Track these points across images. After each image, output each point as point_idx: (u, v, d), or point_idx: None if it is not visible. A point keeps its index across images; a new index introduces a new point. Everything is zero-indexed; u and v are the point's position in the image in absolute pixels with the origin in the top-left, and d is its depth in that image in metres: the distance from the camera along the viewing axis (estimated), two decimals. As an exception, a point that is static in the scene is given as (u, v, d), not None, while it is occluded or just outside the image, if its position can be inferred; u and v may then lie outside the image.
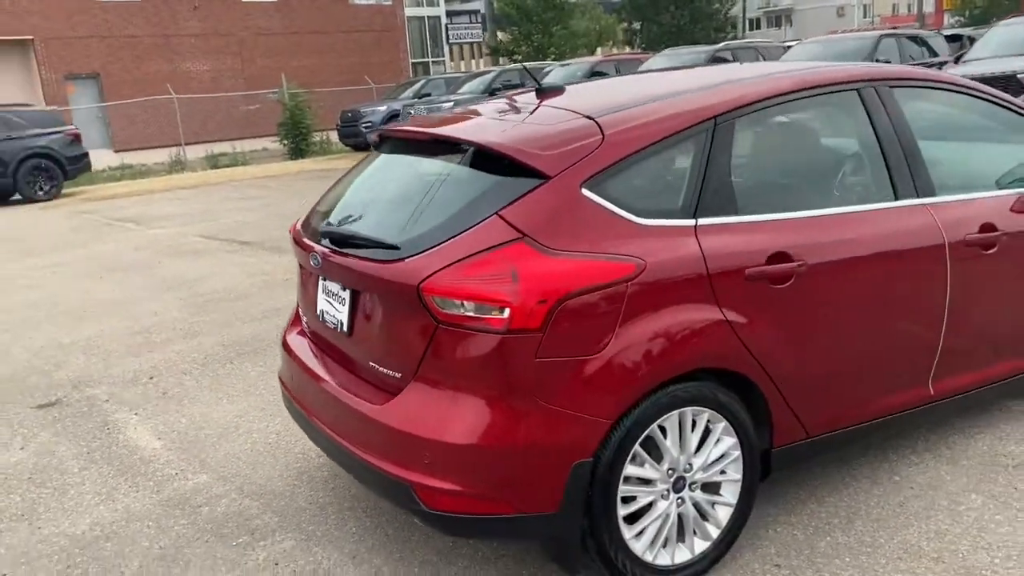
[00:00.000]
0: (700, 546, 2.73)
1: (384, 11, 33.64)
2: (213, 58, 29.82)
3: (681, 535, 2.70)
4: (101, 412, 4.59)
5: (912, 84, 3.30)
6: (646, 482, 2.59)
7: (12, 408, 4.75)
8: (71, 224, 12.60)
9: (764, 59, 16.97)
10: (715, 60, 16.83)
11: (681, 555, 2.70)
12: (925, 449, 3.47)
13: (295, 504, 3.41)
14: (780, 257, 2.71)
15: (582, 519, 2.50)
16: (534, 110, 2.94)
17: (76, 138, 16.62)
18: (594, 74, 18.71)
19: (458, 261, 2.39)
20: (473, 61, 37.18)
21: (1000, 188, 3.43)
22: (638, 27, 34.90)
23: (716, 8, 34.61)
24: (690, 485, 2.68)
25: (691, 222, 2.63)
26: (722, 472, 2.74)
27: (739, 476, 2.77)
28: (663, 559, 2.66)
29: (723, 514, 2.77)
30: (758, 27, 79.34)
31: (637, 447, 2.53)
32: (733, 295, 2.62)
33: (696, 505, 2.71)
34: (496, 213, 2.44)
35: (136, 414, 4.53)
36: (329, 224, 2.95)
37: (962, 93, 3.42)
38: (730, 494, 2.77)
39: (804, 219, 2.84)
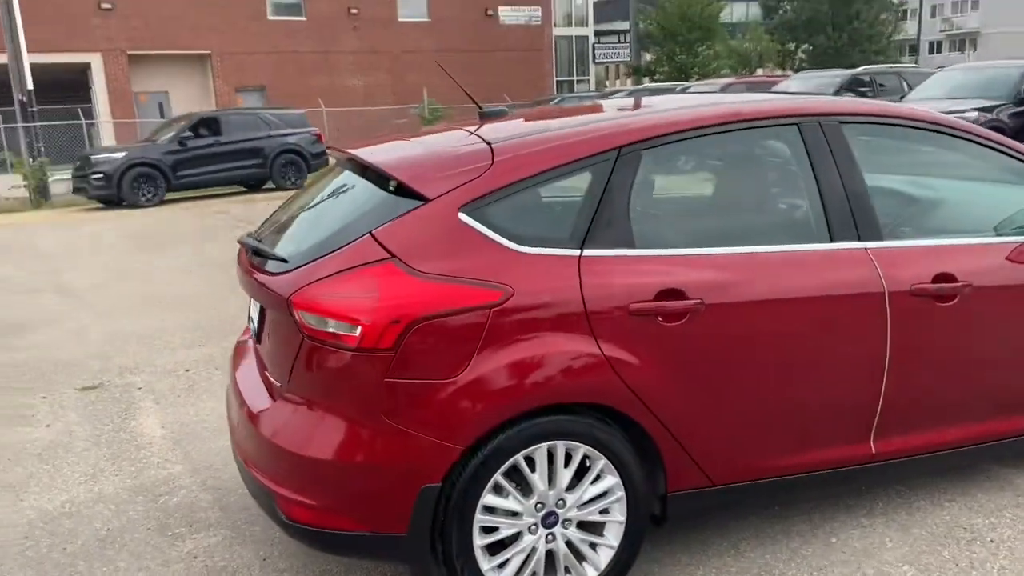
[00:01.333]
0: (573, 586, 2.66)
1: (532, 31, 34.20)
2: (367, 74, 31.31)
3: (552, 572, 2.64)
4: (130, 399, 4.96)
5: (869, 120, 3.09)
6: (512, 514, 2.55)
7: (60, 388, 5.21)
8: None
9: (907, 85, 16.05)
10: (852, 84, 16.08)
11: (550, 593, 2.64)
12: (882, 512, 3.22)
13: (243, 502, 3.55)
14: (673, 294, 2.61)
15: (436, 544, 2.50)
16: (452, 134, 2.97)
17: (319, 138, 19.06)
18: (725, 97, 18.30)
19: (325, 277, 2.45)
20: (618, 81, 37.13)
21: (999, 235, 3.16)
22: (792, 48, 33.78)
23: (878, 31, 32.97)
24: (563, 522, 2.62)
25: (576, 252, 2.58)
26: (603, 512, 2.66)
27: (623, 517, 2.67)
28: (528, 595, 2.61)
29: (604, 556, 2.69)
30: (939, 51, 74.74)
31: (499, 477, 2.50)
32: (614, 330, 2.55)
33: (570, 543, 2.64)
34: (369, 232, 2.50)
35: (158, 403, 4.86)
36: (255, 236, 3.10)
37: (934, 131, 3.15)
38: (612, 535, 2.69)
39: (707, 256, 2.71)
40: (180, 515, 3.48)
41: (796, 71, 27.98)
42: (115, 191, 16.57)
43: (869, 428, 2.95)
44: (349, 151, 2.95)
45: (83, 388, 5.20)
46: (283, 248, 2.76)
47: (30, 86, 21.25)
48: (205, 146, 17.71)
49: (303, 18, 30.06)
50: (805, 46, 32.72)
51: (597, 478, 2.63)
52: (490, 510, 2.52)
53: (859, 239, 2.89)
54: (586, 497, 2.63)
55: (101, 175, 16.61)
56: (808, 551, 2.98)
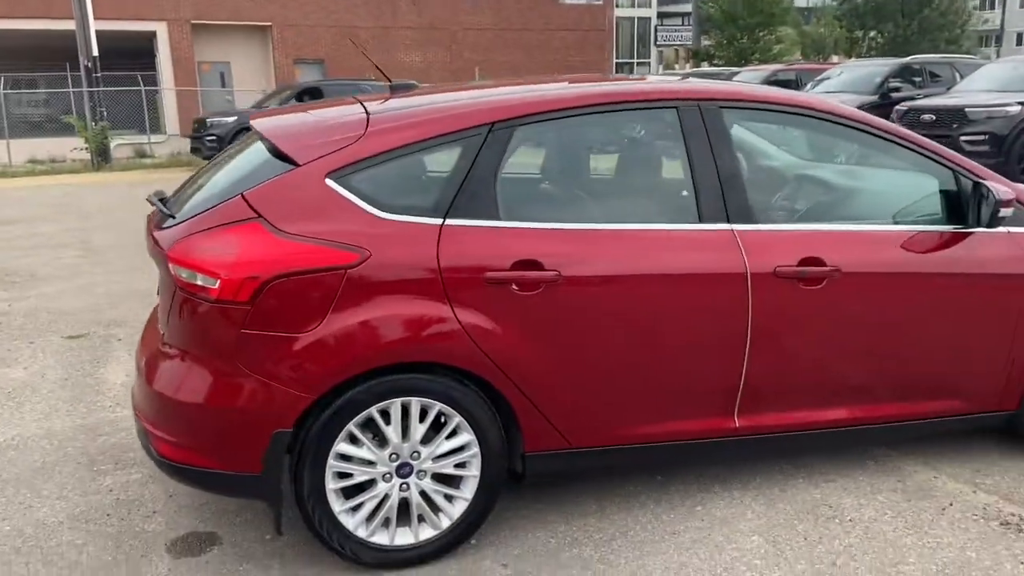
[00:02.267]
0: (426, 533, 2.84)
1: (593, 10, 33.95)
2: (425, 50, 31.54)
3: (406, 519, 2.82)
4: (107, 348, 5.28)
5: (754, 107, 3.14)
6: (366, 462, 2.73)
7: (50, 336, 5.57)
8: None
9: (960, 76, 15.58)
10: (901, 74, 15.68)
11: (403, 538, 2.82)
12: (756, 486, 3.31)
13: (172, 445, 3.82)
14: (530, 264, 2.74)
15: (289, 486, 2.70)
16: (348, 106, 3.12)
17: None
18: (771, 83, 18.04)
19: (196, 233, 2.66)
20: (677, 65, 36.69)
21: (895, 224, 3.21)
22: (860, 36, 32.87)
23: (951, 20, 31.84)
24: (418, 473, 2.79)
25: (438, 221, 2.73)
26: (458, 466, 2.82)
27: (477, 473, 2.83)
28: (380, 538, 2.80)
29: (459, 507, 2.85)
30: (1025, 42, 71.66)
31: (353, 427, 2.68)
32: (469, 296, 2.70)
33: (424, 493, 2.81)
34: (241, 193, 2.69)
35: (129, 354, 5.16)
36: (160, 195, 3.27)
37: (826, 120, 3.18)
38: (467, 489, 2.85)
39: (569, 230, 2.83)
40: (111, 454, 3.75)
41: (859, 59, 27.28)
42: None
43: (732, 403, 3.04)
44: (253, 120, 3.14)
45: (69, 336, 5.55)
46: (176, 206, 2.97)
47: (95, 52, 22.02)
48: None
49: (363, -8, 30.41)
50: (873, 34, 31.80)
51: (453, 434, 2.79)
52: (345, 457, 2.70)
53: (728, 221, 2.97)
54: (440, 451, 2.79)
55: (214, 137, 17.59)
56: (669, 516, 3.10)
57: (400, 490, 2.79)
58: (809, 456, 3.52)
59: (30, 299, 6.60)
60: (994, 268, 3.20)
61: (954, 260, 3.17)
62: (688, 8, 33.96)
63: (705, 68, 29.20)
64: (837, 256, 3.03)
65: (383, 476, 2.76)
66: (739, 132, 3.07)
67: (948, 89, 14.30)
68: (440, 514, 2.84)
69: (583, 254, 2.81)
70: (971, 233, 3.20)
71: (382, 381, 2.67)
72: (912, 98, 13.97)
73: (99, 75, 22.08)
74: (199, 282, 2.60)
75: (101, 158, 20.34)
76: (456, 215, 2.75)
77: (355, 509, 2.76)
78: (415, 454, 2.77)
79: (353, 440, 2.70)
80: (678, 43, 34.65)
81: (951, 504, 3.15)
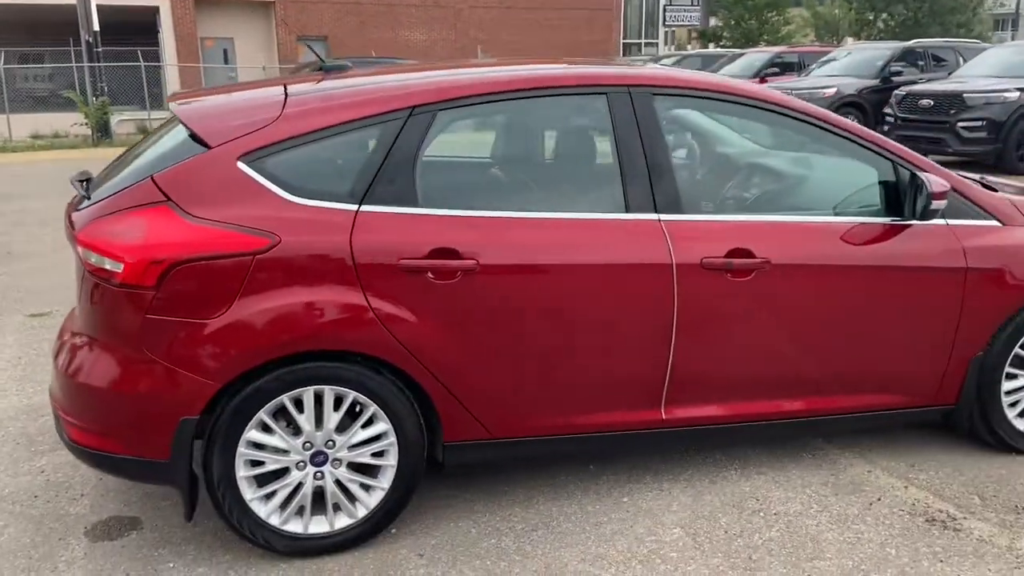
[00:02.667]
0: (342, 521, 2.82)
1: (600, -10, 33.64)
2: (429, 28, 31.33)
3: (321, 508, 2.80)
4: (68, 328, 5.26)
5: (688, 94, 3.08)
6: (278, 450, 2.71)
7: (14, 314, 5.57)
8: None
9: (963, 60, 15.36)
10: (904, 57, 15.48)
11: (318, 526, 2.80)
12: (687, 478, 3.28)
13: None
14: (447, 253, 2.70)
15: (199, 473, 2.68)
16: (270, 88, 3.07)
17: None
18: (774, 65, 17.86)
19: (104, 215, 2.62)
20: (690, 45, 36.29)
21: (833, 215, 3.15)
22: (871, 18, 32.41)
23: (962, 2, 31.35)
24: (333, 461, 2.77)
25: (353, 207, 2.69)
26: (375, 455, 2.80)
27: (394, 462, 2.81)
28: (294, 526, 2.78)
29: (375, 496, 2.83)
30: (1042, 26, 70.64)
31: (264, 415, 2.66)
32: (384, 284, 2.66)
33: (339, 482, 2.79)
34: (151, 176, 2.65)
35: (90, 334, 5.15)
36: (83, 175, 3.22)
37: (763, 108, 3.12)
38: (385, 478, 2.83)
39: (489, 218, 2.78)
40: (49, 435, 3.74)
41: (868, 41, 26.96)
42: None
43: (659, 395, 3.00)
44: (173, 101, 3.09)
45: (32, 315, 5.55)
46: (95, 188, 2.93)
47: (96, 27, 22.00)
48: None
49: (368, -31, 30.19)
50: (885, 16, 31.35)
51: (369, 423, 2.77)
52: (256, 445, 2.68)
53: (655, 211, 2.92)
54: (355, 440, 2.76)
55: None
56: (595, 507, 3.08)
57: (315, 479, 2.76)
58: (744, 448, 3.49)
59: (3, 276, 6.60)
60: (932, 261, 3.14)
61: (891, 253, 3.11)
62: (697, -12, 33.54)
63: (711, 50, 28.87)
64: (767, 248, 2.97)
65: (297, 464, 2.74)
66: (673, 119, 3.01)
67: (950, 74, 14.14)
68: (356, 503, 2.82)
69: (503, 243, 2.77)
70: (909, 225, 3.14)
71: (293, 369, 2.65)
72: (914, 82, 13.80)
73: (100, 50, 22.08)
74: (106, 266, 2.57)
75: (101, 134, 20.32)
76: (372, 201, 2.71)
77: (268, 497, 2.74)
78: (330, 443, 2.75)
79: (265, 428, 2.68)
80: (686, 23, 34.25)
81: (879, 499, 3.11)
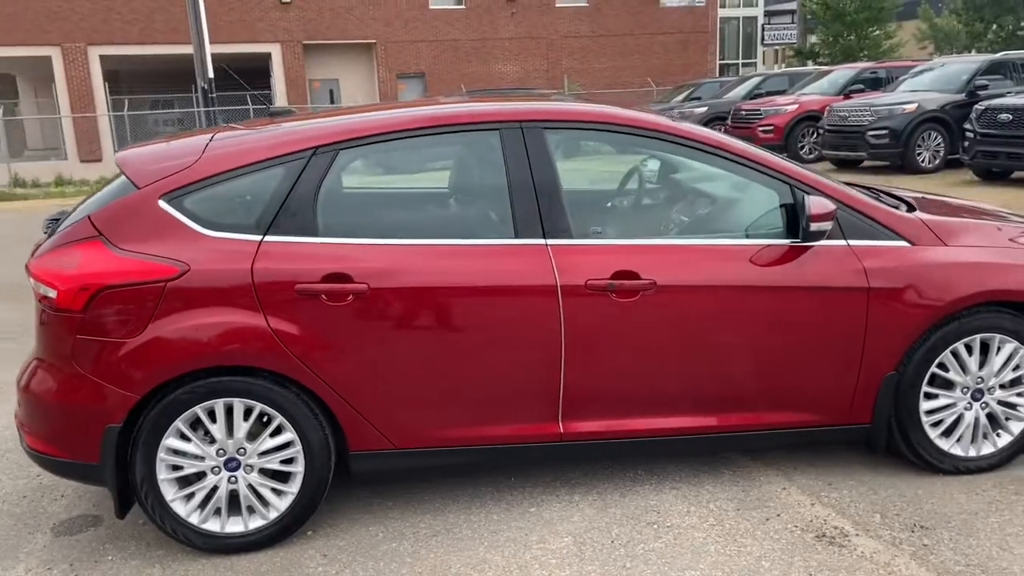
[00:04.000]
0: (256, 522, 3.11)
1: (696, 12, 33.50)
2: (522, 60, 32.00)
3: (236, 509, 3.10)
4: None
5: (581, 127, 3.27)
6: (195, 456, 3.03)
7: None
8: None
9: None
10: (993, 69, 14.83)
11: (234, 526, 3.10)
12: (600, 491, 3.42)
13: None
14: (340, 278, 2.98)
15: (126, 475, 3.03)
16: (206, 134, 3.41)
17: None
18: (859, 81, 17.41)
19: (51, 250, 3.04)
20: (778, 65, 35.59)
21: (724, 238, 3.27)
22: (981, 29, 30.96)
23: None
24: (245, 467, 3.07)
25: (258, 238, 3.01)
26: (284, 462, 3.09)
27: (302, 469, 3.09)
28: (212, 526, 3.09)
29: (286, 500, 3.11)
30: None
31: (180, 424, 2.99)
32: (282, 307, 2.97)
33: (252, 487, 3.09)
34: (88, 215, 3.05)
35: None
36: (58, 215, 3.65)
37: (657, 138, 3.28)
38: (295, 484, 3.11)
39: (381, 245, 3.04)
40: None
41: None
42: None
43: (555, 410, 3.17)
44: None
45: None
46: (58, 226, 3.36)
47: (211, 75, 23.60)
48: None
49: (462, 7, 31.17)
50: (996, 27, 29.92)
51: (277, 432, 3.06)
52: (175, 451, 3.02)
53: (543, 236, 3.11)
54: (264, 448, 3.06)
55: None
56: (500, 516, 3.26)
57: (229, 483, 3.07)
58: (665, 463, 3.59)
59: None
60: (831, 282, 3.19)
61: (786, 274, 3.18)
62: (795, 5, 32.95)
63: (797, 68, 28.22)
64: (653, 270, 3.11)
65: (212, 469, 3.06)
66: (566, 150, 3.20)
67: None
68: (268, 506, 3.11)
69: (394, 268, 3.02)
70: (808, 247, 3.20)
71: (204, 383, 2.97)
72: (999, 96, 13.23)
73: (214, 95, 23.67)
74: (48, 293, 2.97)
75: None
76: (276, 232, 3.02)
77: (188, 498, 3.07)
78: (241, 450, 3.05)
79: (183, 436, 3.01)
80: (785, 42, 33.65)
81: (779, 515, 3.16)
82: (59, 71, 28.15)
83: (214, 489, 3.07)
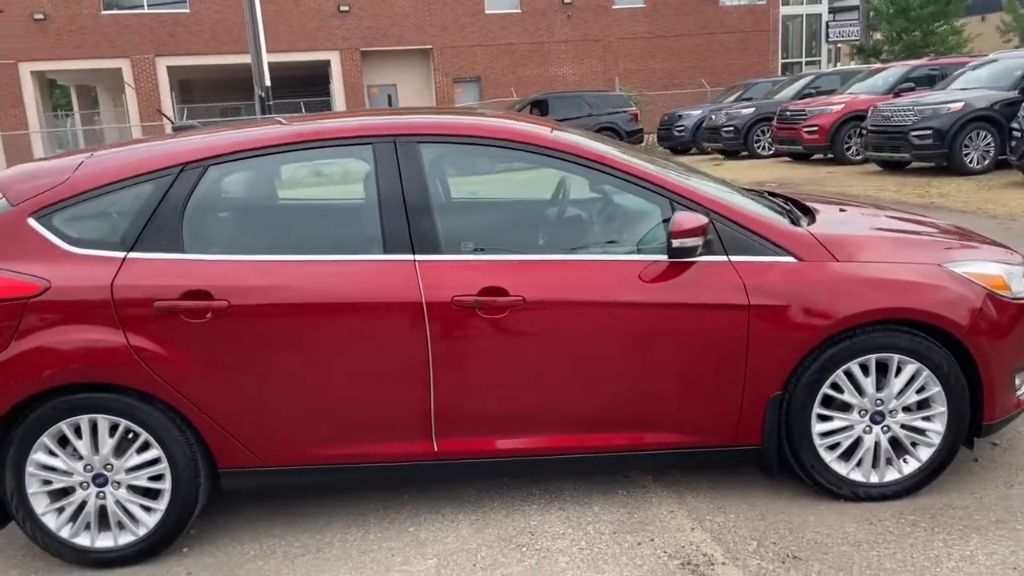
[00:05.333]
0: (126, 538, 3.14)
1: (756, 11, 32.77)
2: (579, 62, 31.83)
3: (107, 524, 3.13)
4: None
5: (456, 140, 3.20)
6: (64, 472, 3.07)
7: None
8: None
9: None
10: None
11: (104, 541, 3.13)
12: (485, 511, 3.34)
13: None
14: (199, 294, 2.98)
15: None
16: (83, 152, 3.43)
17: (635, 117, 21.67)
18: (909, 80, 16.74)
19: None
20: (852, 62, 34.41)
21: (629, 254, 3.16)
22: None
23: None
24: (112, 483, 3.10)
25: (121, 255, 3.03)
26: (153, 479, 3.10)
27: (169, 486, 3.10)
28: (83, 540, 3.12)
29: (155, 517, 3.13)
30: None
31: (46, 440, 3.04)
32: (141, 324, 2.98)
33: (120, 502, 3.11)
34: (-35, 233, 3.12)
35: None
36: None
37: (534, 152, 3.19)
38: (163, 500, 3.12)
39: (244, 262, 3.04)
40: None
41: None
42: None
43: (428, 428, 3.11)
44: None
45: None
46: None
47: (268, 83, 24.10)
48: None
49: (518, 10, 31.18)
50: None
51: (145, 449, 3.08)
52: (44, 466, 3.06)
53: (412, 252, 3.05)
54: (130, 464, 3.08)
55: None
56: (377, 536, 3.22)
57: (97, 498, 3.10)
58: (560, 483, 3.49)
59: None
60: (708, 298, 3.05)
61: (662, 290, 3.05)
62: (858, 1, 31.87)
63: (851, 67, 27.29)
64: (523, 286, 3.02)
65: (80, 484, 3.09)
66: (440, 165, 3.14)
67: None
68: (138, 523, 3.13)
69: (257, 285, 3.01)
70: (691, 263, 3.06)
71: (66, 400, 3.01)
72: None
73: (271, 103, 24.25)
74: (-80, 310, 3.05)
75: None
76: (141, 248, 3.04)
77: (59, 511, 3.11)
78: (108, 466, 3.08)
79: (50, 451, 3.05)
80: (852, 38, 32.57)
81: (652, 540, 3.04)
82: (129, 82, 29.28)
83: (83, 504, 3.11)
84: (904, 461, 3.22)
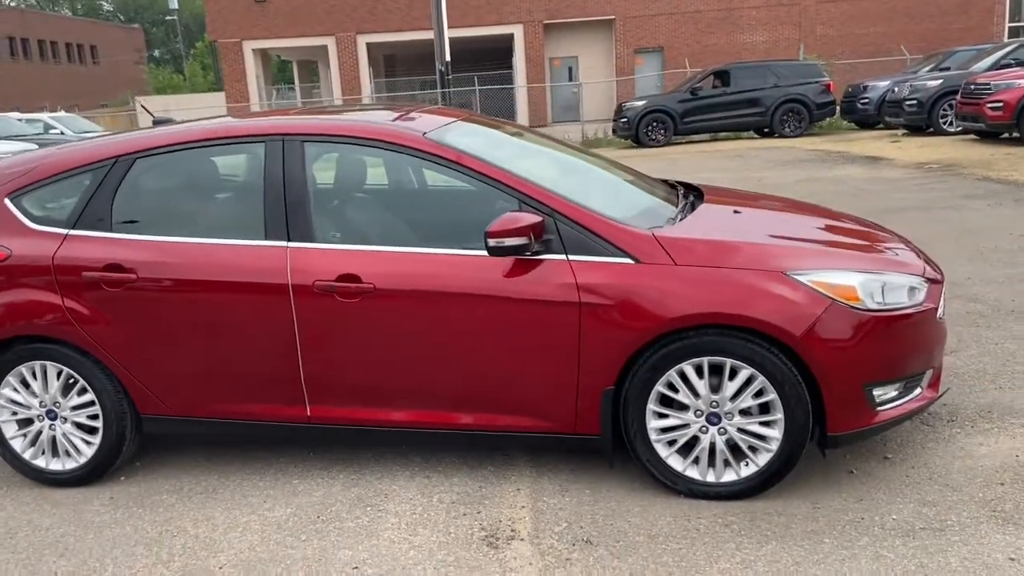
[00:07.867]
0: (69, 464, 3.80)
1: (977, -31, 29.80)
2: (771, 29, 30.44)
3: (57, 453, 3.80)
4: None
5: (335, 140, 3.59)
6: (24, 406, 3.77)
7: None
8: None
9: None
10: None
11: (55, 465, 3.81)
12: (362, 473, 3.68)
13: None
14: (115, 267, 3.55)
15: None
16: (61, 144, 4.10)
17: (827, 88, 20.29)
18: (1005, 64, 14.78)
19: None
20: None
21: (449, 248, 3.39)
22: None
23: None
24: (60, 418, 3.77)
25: (65, 232, 3.66)
26: (91, 417, 3.74)
27: (101, 425, 3.72)
28: (40, 463, 3.82)
29: (92, 448, 3.77)
30: None
31: (11, 378, 3.75)
32: (73, 289, 3.61)
33: (66, 435, 3.77)
34: (-33, 208, 3.88)
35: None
36: None
37: (401, 152, 3.51)
38: (98, 436, 3.75)
39: (150, 242, 3.58)
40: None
41: None
42: (634, 133, 20.42)
43: (302, 395, 3.53)
44: None
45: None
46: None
47: (448, 58, 25.28)
48: (711, 96, 20.35)
49: (707, -25, 30.28)
50: None
51: (83, 393, 3.72)
52: (11, 400, 3.77)
53: (288, 239, 3.45)
54: (72, 404, 3.73)
55: (626, 120, 20.58)
56: (266, 482, 3.70)
57: (50, 429, 3.79)
58: (443, 452, 3.79)
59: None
60: (545, 295, 3.20)
61: (502, 284, 3.24)
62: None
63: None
64: (375, 274, 3.34)
65: (37, 417, 3.78)
66: (321, 161, 3.52)
67: None
68: (79, 452, 3.77)
69: (157, 261, 3.54)
70: (536, 260, 3.23)
71: (26, 347, 3.70)
72: None
73: (450, 77, 25.38)
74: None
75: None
76: (80, 227, 3.66)
77: (24, 437, 3.82)
78: (57, 403, 3.75)
79: (15, 388, 3.76)
80: (1095, -2, 28.82)
81: (478, 512, 3.27)
82: (333, 58, 31.55)
83: (39, 433, 3.80)
84: (745, 464, 3.22)
